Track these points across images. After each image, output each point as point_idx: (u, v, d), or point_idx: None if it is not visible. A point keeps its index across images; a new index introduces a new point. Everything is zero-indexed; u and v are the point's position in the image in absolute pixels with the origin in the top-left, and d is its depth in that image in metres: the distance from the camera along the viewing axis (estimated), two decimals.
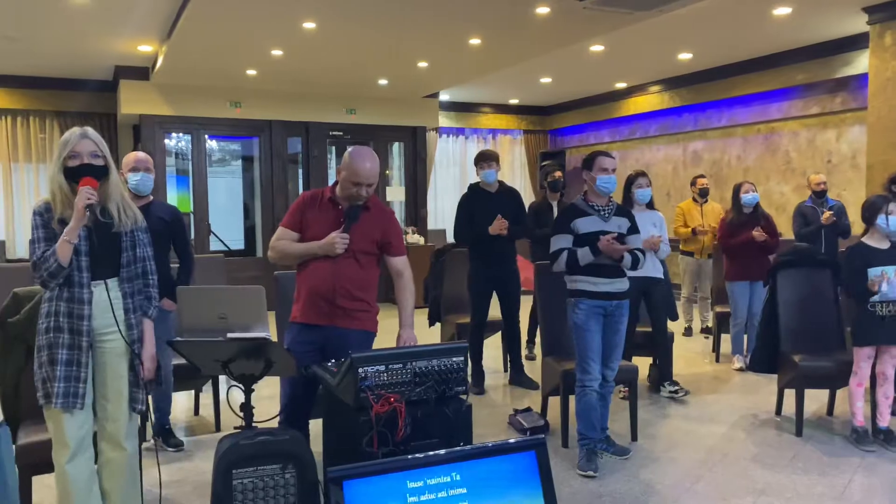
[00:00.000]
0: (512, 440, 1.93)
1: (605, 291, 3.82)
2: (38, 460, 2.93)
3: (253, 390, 2.90)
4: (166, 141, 9.45)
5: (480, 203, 5.35)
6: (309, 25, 6.19)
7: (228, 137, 10.36)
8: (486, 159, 5.43)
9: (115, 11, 6.27)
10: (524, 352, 6.31)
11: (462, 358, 2.77)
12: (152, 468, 3.77)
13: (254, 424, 2.90)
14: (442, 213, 11.57)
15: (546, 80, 9.66)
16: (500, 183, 5.52)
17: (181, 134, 9.74)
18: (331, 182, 3.62)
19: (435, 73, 8.44)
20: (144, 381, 2.93)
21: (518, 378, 5.58)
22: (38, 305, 2.97)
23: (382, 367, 2.64)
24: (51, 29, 6.81)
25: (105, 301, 2.78)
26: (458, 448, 2.46)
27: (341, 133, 9.87)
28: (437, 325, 6.12)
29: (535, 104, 11.82)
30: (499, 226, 5.17)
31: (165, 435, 4.19)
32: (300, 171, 10.22)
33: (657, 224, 5.12)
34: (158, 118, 8.95)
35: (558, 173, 6.43)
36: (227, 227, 10.18)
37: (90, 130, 2.87)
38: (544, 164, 9.92)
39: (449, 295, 6.03)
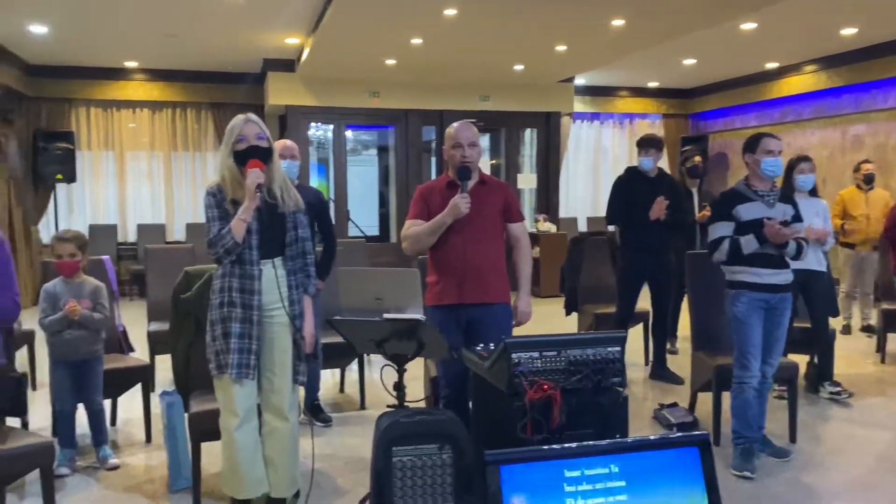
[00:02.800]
0: (674, 434, 1.84)
1: (769, 283, 3.59)
2: (206, 428, 3.12)
3: (405, 370, 2.95)
4: (310, 132, 9.84)
5: (637, 187, 5.18)
6: (450, 12, 6.21)
7: (367, 127, 10.66)
8: (644, 145, 5.24)
9: (267, 7, 6.56)
10: (666, 346, 6.07)
11: (619, 348, 2.67)
12: (304, 441, 3.97)
13: (406, 404, 2.95)
14: (574, 200, 11.36)
15: (690, 61, 9.22)
16: (660, 170, 5.33)
17: (321, 124, 10.11)
18: None
19: (573, 57, 8.25)
20: (305, 355, 3.07)
21: (660, 372, 5.37)
22: (207, 283, 3.17)
23: (536, 354, 2.59)
24: (207, 25, 7.23)
25: (272, 278, 2.94)
26: (619, 439, 2.40)
27: (475, 120, 9.85)
28: (574, 314, 6.00)
29: (675, 87, 11.32)
30: (659, 208, 4.98)
31: (315, 410, 4.36)
32: (433, 159, 10.34)
33: (820, 213, 4.74)
34: (303, 109, 9.33)
35: (698, 158, 6.12)
36: (363, 214, 10.50)
37: (253, 115, 3.03)
38: (685, 149, 9.49)
39: (587, 284, 5.90)
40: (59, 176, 8.93)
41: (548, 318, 7.17)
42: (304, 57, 8.20)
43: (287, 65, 9.05)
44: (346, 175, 9.82)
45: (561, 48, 7.74)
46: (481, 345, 2.99)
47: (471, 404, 2.98)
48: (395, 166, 10.11)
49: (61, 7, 6.52)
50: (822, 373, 4.88)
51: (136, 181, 9.84)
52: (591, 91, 11.07)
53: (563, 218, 10.74)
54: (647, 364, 5.69)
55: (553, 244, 9.27)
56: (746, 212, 3.60)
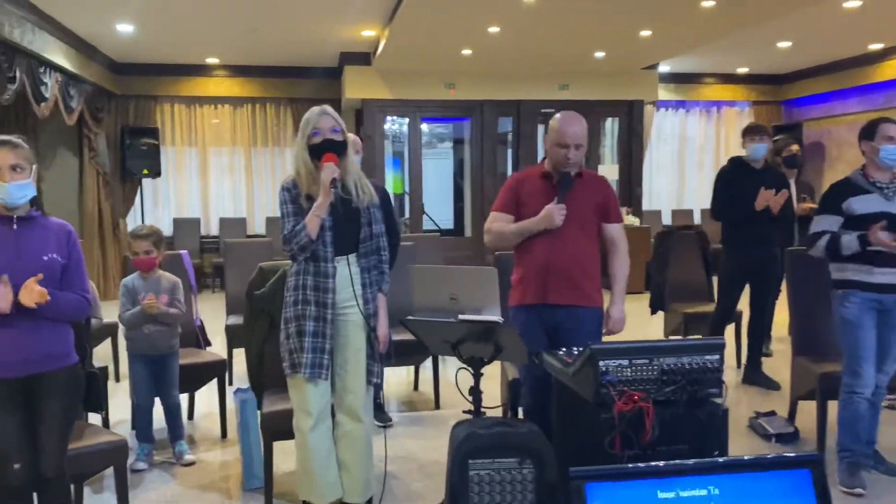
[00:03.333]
0: (784, 454, 1.62)
1: (882, 283, 3.24)
2: (279, 428, 3.04)
3: (482, 374, 2.79)
4: (386, 125, 9.80)
5: (743, 179, 4.84)
6: None
7: (442, 119, 10.54)
8: (755, 132, 4.93)
9: None
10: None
11: (718, 356, 2.44)
12: (376, 443, 3.86)
13: (482, 410, 2.79)
14: (658, 192, 10.92)
15: (784, 44, 8.66)
16: (766, 161, 4.98)
17: (396, 117, 10.05)
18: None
19: (658, 43, 7.87)
20: (379, 355, 2.96)
21: (755, 376, 5.02)
22: (282, 280, 3.10)
23: (625, 362, 2.39)
24: (286, 19, 7.24)
25: (346, 276, 2.84)
26: (718, 458, 2.17)
27: (553, 110, 9.55)
28: (660, 313, 5.70)
29: (767, 72, 10.69)
30: (765, 197, 4.64)
31: (377, 409, 4.25)
32: (509, 151, 10.12)
33: None
34: (378, 102, 9.27)
35: (795, 147, 5.69)
36: (438, 207, 10.39)
37: (328, 108, 2.93)
38: (777, 138, 8.94)
39: (675, 281, 5.58)
40: (145, 171, 9.19)
41: (630, 316, 6.87)
42: (379, 49, 8.13)
43: (363, 58, 9.01)
44: (421, 168, 9.73)
45: (646, 33, 7.39)
46: (564, 349, 2.81)
47: (554, 414, 2.78)
48: (470, 159, 9.95)
49: (146, 6, 6.65)
50: None
51: (219, 176, 10.03)
52: (676, 78, 10.59)
53: (646, 211, 10.34)
54: (738, 367, 5.34)
55: (636, 238, 8.79)
56: (861, 205, 3.26)
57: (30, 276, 2.29)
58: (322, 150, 2.83)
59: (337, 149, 2.85)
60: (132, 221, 9.55)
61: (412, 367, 5.05)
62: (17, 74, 6.22)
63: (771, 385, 4.86)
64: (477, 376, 2.78)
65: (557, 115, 3.08)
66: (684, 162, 11.03)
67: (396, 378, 5.09)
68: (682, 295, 5.51)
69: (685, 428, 2.38)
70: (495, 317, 2.60)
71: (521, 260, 3.17)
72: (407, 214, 9.99)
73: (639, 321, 6.05)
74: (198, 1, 6.56)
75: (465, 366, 2.79)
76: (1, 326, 2.30)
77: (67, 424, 2.45)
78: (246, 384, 3.42)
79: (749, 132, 4.97)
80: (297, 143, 2.95)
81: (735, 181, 4.86)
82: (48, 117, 7.20)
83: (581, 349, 2.50)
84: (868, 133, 3.33)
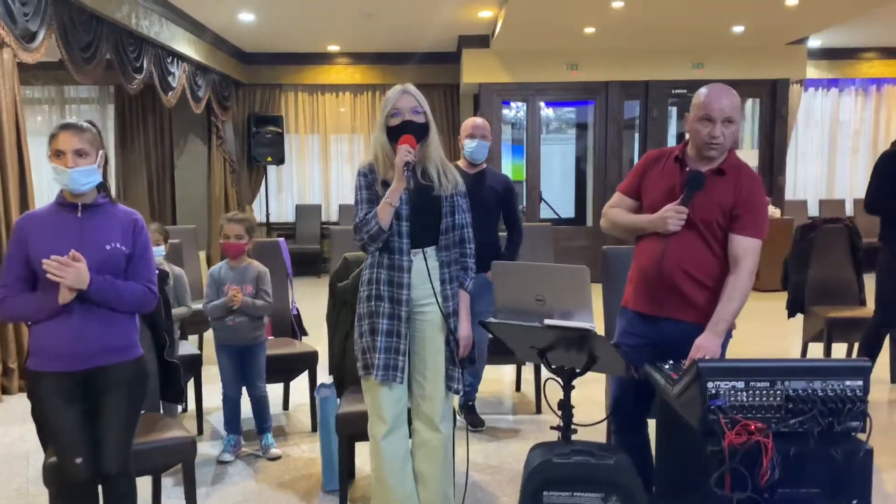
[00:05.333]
0: None
1: None
2: (355, 430, 2.86)
3: (573, 387, 2.45)
4: (505, 111, 9.48)
5: None
6: None
7: (563, 104, 10.08)
8: None
9: None
10: None
11: (861, 382, 1.97)
12: (459, 447, 3.61)
13: (573, 426, 2.46)
14: (804, 181, 9.93)
15: None
16: None
17: (517, 103, 9.69)
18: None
19: (807, 13, 7.02)
20: (460, 360, 2.69)
21: None
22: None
23: (741, 384, 1.98)
24: (400, 2, 7.09)
25: (423, 270, 2.59)
26: None
27: (685, 91, 8.88)
28: (799, 316, 5.05)
29: None
30: None
31: (468, 412, 3.98)
32: (636, 136, 9.51)
33: None
34: (496, 86, 8.96)
35: None
36: (559, 195, 9.96)
37: (411, 86, 2.69)
38: None
39: (817, 280, 4.92)
40: (269, 158, 9.42)
41: (765, 315, 6.22)
42: (497, 30, 7.82)
43: (482, 41, 8.73)
44: (539, 154, 9.34)
45: (792, 2, 6.59)
46: (672, 361, 2.41)
47: (656, 439, 2.40)
48: (593, 144, 9.44)
49: None
50: None
51: (340, 162, 10.12)
52: (829, 54, 9.53)
53: (789, 201, 9.42)
54: (893, 381, 4.63)
55: (777, 231, 8.05)
56: None
57: (92, 265, 2.21)
58: (401, 132, 2.58)
59: (417, 131, 2.60)
60: (258, 207, 9.85)
61: (514, 366, 4.75)
62: (145, 64, 6.46)
63: None
64: (567, 389, 2.45)
65: (703, 89, 2.55)
66: (836, 147, 9.95)
67: (496, 376, 4.80)
68: (825, 296, 4.85)
69: (816, 468, 1.95)
70: (586, 323, 2.26)
71: (635, 256, 2.75)
72: (524, 203, 9.66)
73: (773, 325, 5.42)
74: None
75: (553, 376, 2.46)
76: (61, 318, 2.23)
77: (130, 419, 2.36)
78: (328, 382, 3.27)
79: None
80: (377, 123, 2.73)
81: None
82: (176, 106, 7.47)
83: (688, 364, 2.12)
84: None
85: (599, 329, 2.32)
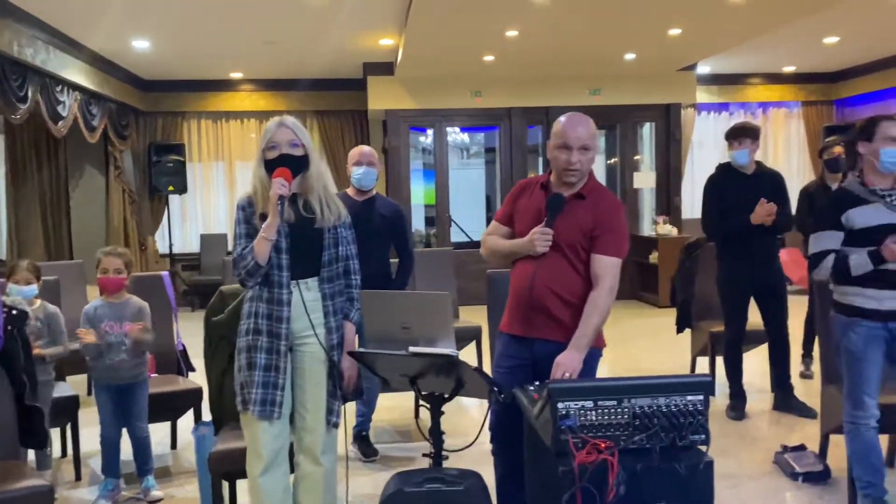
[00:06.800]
0: None
1: (892, 310, 2.84)
2: (230, 468, 2.79)
3: (442, 412, 2.47)
4: (421, 138, 9.57)
5: (732, 187, 4.42)
6: None
7: (469, 129, 10.26)
8: (733, 136, 4.45)
9: (354, 6, 6.28)
10: (799, 368, 5.21)
11: (702, 396, 2.07)
12: (359, 477, 3.59)
13: (443, 453, 2.48)
14: (700, 200, 10.34)
15: (831, 39, 8.08)
16: (758, 163, 4.53)
17: (424, 128, 9.81)
18: None
19: (690, 42, 7.42)
20: (342, 392, 2.68)
21: (787, 402, 4.55)
22: (241, 304, 2.85)
23: (590, 404, 2.04)
24: (302, 30, 7.09)
25: (304, 302, 2.58)
26: None
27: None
28: (687, 331, 5.27)
29: (816, 70, 10.07)
30: (764, 212, 4.20)
31: (361, 442, 3.96)
32: (540, 160, 9.77)
33: None
34: (403, 112, 9.05)
35: (838, 149, 5.17)
36: (471, 219, 10.11)
37: (289, 118, 2.70)
38: (828, 140, 8.34)
39: (703, 297, 5.13)
40: (171, 188, 9.18)
41: (661, 331, 6.44)
42: (399, 58, 7.92)
43: (386, 68, 8.81)
44: (447, 179, 9.46)
45: (675, 31, 6.95)
46: (537, 382, 2.47)
47: (525, 462, 2.44)
48: (499, 169, 9.63)
49: (160, 21, 6.58)
50: None
51: (245, 191, 9.93)
52: (718, 79, 10.06)
53: (687, 219, 9.80)
54: (773, 391, 4.87)
55: (672, 249, 8.39)
56: (862, 217, 2.87)
57: None
58: (279, 165, 2.58)
59: (294, 164, 2.60)
60: (160, 238, 9.57)
61: (413, 394, 4.73)
62: (30, 93, 6.22)
63: (806, 412, 4.39)
64: (436, 415, 2.47)
65: (561, 118, 2.67)
66: None
67: (394, 403, 4.78)
68: (710, 312, 5.05)
69: (662, 482, 2.02)
70: (449, 349, 2.29)
71: (511, 281, 2.83)
72: (435, 227, 9.74)
73: (668, 340, 5.63)
74: (212, 15, 6.46)
75: (424, 403, 2.48)
76: None
77: None
78: (207, 420, 3.19)
79: (728, 137, 4.51)
80: (256, 156, 2.72)
81: (722, 191, 4.42)
82: (71, 135, 7.21)
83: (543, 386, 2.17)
84: (866, 133, 2.91)
85: (487, 352, 2.36)
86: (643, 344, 6.55)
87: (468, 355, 5.12)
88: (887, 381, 3.07)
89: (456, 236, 9.49)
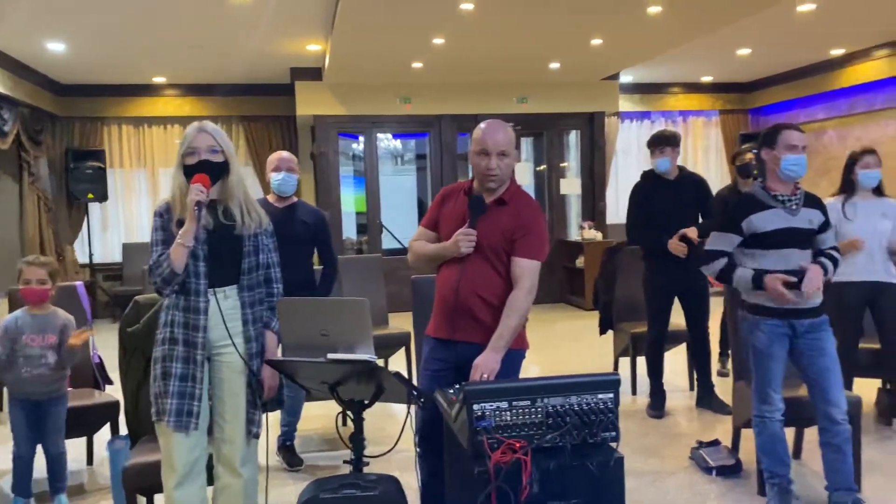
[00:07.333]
0: None
1: (795, 308, 3.01)
2: (146, 483, 2.72)
3: (363, 418, 2.48)
4: (353, 145, 9.51)
5: (656, 193, 4.57)
6: (467, 7, 5.74)
7: (400, 135, 10.28)
8: (654, 144, 4.61)
9: (280, 11, 6.22)
10: (716, 367, 5.42)
11: (612, 394, 2.14)
12: (283, 487, 3.55)
13: (364, 458, 2.48)
14: (624, 205, 10.60)
15: (744, 51, 8.46)
16: (681, 168, 4.70)
17: (354, 134, 9.78)
18: None
19: (611, 52, 7.64)
20: (262, 402, 2.65)
21: (707, 400, 4.73)
22: (157, 314, 2.79)
23: (505, 405, 2.09)
24: (227, 34, 6.98)
25: (222, 311, 2.54)
26: None
27: (512, 124, 9.30)
28: (610, 333, 5.41)
29: (732, 80, 10.51)
30: (678, 247, 4.35)
31: (286, 452, 3.92)
32: (469, 166, 9.84)
33: (889, 214, 4.05)
34: (332, 118, 9.00)
35: (749, 156, 5.42)
36: (402, 225, 10.12)
37: (209, 124, 2.66)
38: (743, 147, 8.72)
39: (623, 299, 5.30)
40: (90, 195, 8.86)
41: (588, 333, 6.59)
42: (327, 64, 7.87)
43: (314, 73, 8.75)
44: (378, 185, 9.44)
45: (596, 42, 7.15)
46: (457, 385, 2.50)
47: (445, 465, 2.47)
48: (430, 175, 9.68)
49: (76, 23, 6.37)
50: (894, 402, 4.16)
51: (164, 197, 9.68)
52: (640, 88, 10.38)
53: (612, 224, 10.05)
54: (692, 389, 5.06)
55: (598, 253, 8.61)
56: (763, 221, 3.04)
57: None
58: (198, 171, 2.54)
59: (213, 170, 2.57)
60: (79, 248, 9.22)
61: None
62: None
63: (724, 409, 4.55)
64: (357, 421, 2.47)
65: (481, 124, 2.73)
66: None
67: (323, 412, 4.75)
68: (630, 313, 5.22)
69: (575, 480, 2.08)
70: (368, 355, 2.30)
71: (437, 285, 2.86)
72: (367, 234, 9.71)
73: (591, 342, 5.77)
74: (132, 18, 6.29)
75: (344, 409, 2.48)
76: None
77: None
78: (124, 434, 3.10)
79: (649, 145, 4.67)
80: (175, 162, 2.68)
81: (647, 197, 4.58)
82: None
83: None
84: (768, 141, 3.09)
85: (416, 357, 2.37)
86: (570, 345, 6.70)
87: (398, 361, 5.15)
88: (791, 377, 3.24)
89: (388, 243, 9.48)
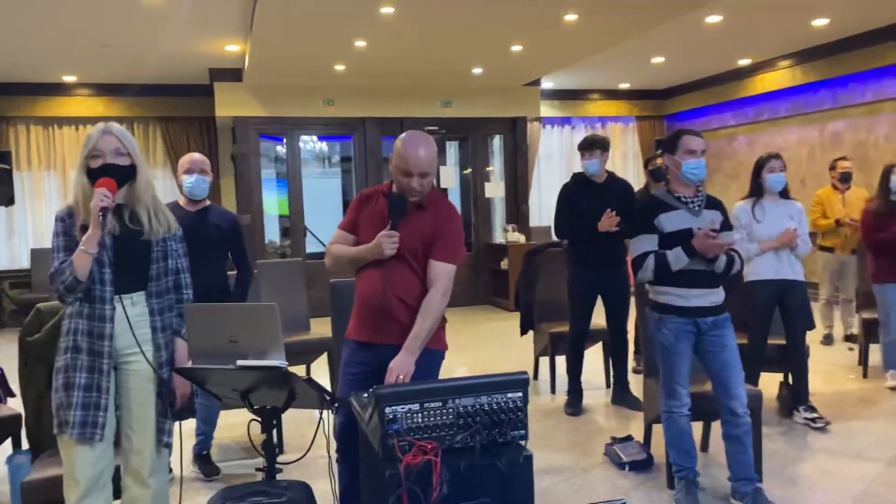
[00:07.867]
0: None
1: (697, 306, 3.16)
2: (51, 499, 2.61)
3: (275, 425, 2.45)
4: (278, 147, 9.35)
5: (585, 195, 4.69)
6: (387, 10, 5.75)
7: (323, 137, 10.18)
8: (584, 148, 4.76)
9: (191, 9, 6.08)
10: (632, 365, 5.58)
11: (521, 393, 2.18)
12: (197, 497, 3.47)
13: (277, 465, 2.45)
14: (547, 208, 10.86)
15: (658, 59, 8.78)
16: (610, 173, 4.84)
17: (275, 136, 9.63)
18: None
19: (531, 58, 7.79)
20: (173, 410, 2.58)
21: (622, 397, 4.87)
22: (60, 322, 2.68)
23: (416, 406, 2.10)
24: (138, 33, 6.77)
25: (129, 318, 2.47)
26: None
27: (437, 128, 9.40)
28: (531, 333, 5.51)
29: (648, 88, 10.88)
30: (608, 222, 4.49)
31: (202, 461, 3.83)
32: None
33: (794, 216, 4.28)
34: (252, 120, 8.84)
35: (660, 160, 5.64)
36: (326, 228, 10.03)
37: (115, 126, 2.57)
38: (656, 152, 9.04)
39: (543, 300, 5.41)
40: None
41: (511, 333, 6.70)
42: (246, 64, 7.73)
43: (234, 74, 8.57)
44: (301, 188, 9.32)
45: (516, 48, 7.28)
46: (372, 389, 2.50)
47: (360, 469, 2.47)
48: (355, 178, 9.63)
49: None
50: (795, 395, 4.39)
51: (67, 201, 9.29)
52: (561, 94, 10.62)
53: (535, 227, 10.26)
54: (608, 387, 5.20)
55: (521, 255, 8.77)
56: (669, 222, 3.17)
57: None
58: (103, 174, 2.47)
59: (118, 173, 2.49)
60: None
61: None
62: None
63: (637, 406, 4.71)
64: (269, 428, 2.44)
65: (402, 136, 2.70)
66: None
67: (240, 420, 4.65)
68: (550, 314, 5.34)
69: (486, 479, 2.11)
70: (279, 361, 2.27)
71: (356, 289, 2.85)
72: (290, 237, 9.57)
73: (514, 342, 5.86)
74: (37, 14, 6.01)
75: (255, 417, 2.45)
76: None
77: None
78: (25, 448, 2.96)
79: (580, 148, 4.83)
80: (77, 164, 2.58)
81: (575, 198, 4.71)
82: None
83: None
84: (670, 147, 3.24)
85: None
86: (494, 346, 6.79)
87: (320, 367, 5.10)
88: (698, 373, 3.38)
89: (312, 246, 9.37)
